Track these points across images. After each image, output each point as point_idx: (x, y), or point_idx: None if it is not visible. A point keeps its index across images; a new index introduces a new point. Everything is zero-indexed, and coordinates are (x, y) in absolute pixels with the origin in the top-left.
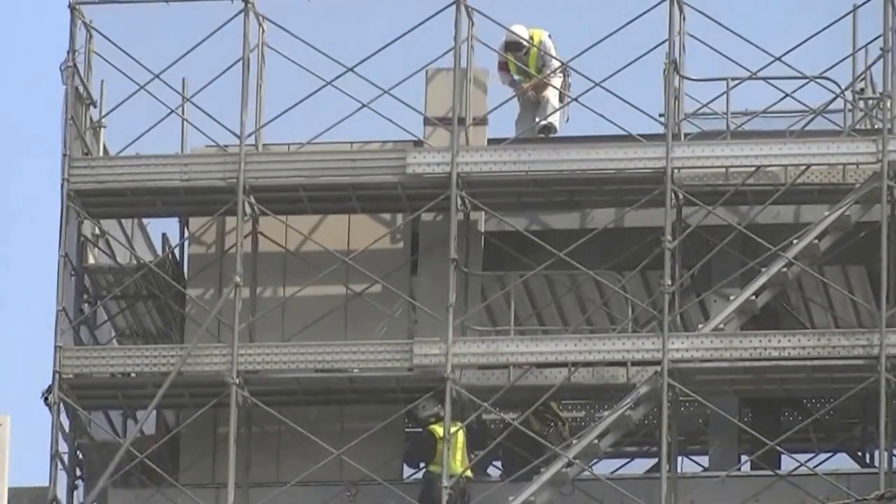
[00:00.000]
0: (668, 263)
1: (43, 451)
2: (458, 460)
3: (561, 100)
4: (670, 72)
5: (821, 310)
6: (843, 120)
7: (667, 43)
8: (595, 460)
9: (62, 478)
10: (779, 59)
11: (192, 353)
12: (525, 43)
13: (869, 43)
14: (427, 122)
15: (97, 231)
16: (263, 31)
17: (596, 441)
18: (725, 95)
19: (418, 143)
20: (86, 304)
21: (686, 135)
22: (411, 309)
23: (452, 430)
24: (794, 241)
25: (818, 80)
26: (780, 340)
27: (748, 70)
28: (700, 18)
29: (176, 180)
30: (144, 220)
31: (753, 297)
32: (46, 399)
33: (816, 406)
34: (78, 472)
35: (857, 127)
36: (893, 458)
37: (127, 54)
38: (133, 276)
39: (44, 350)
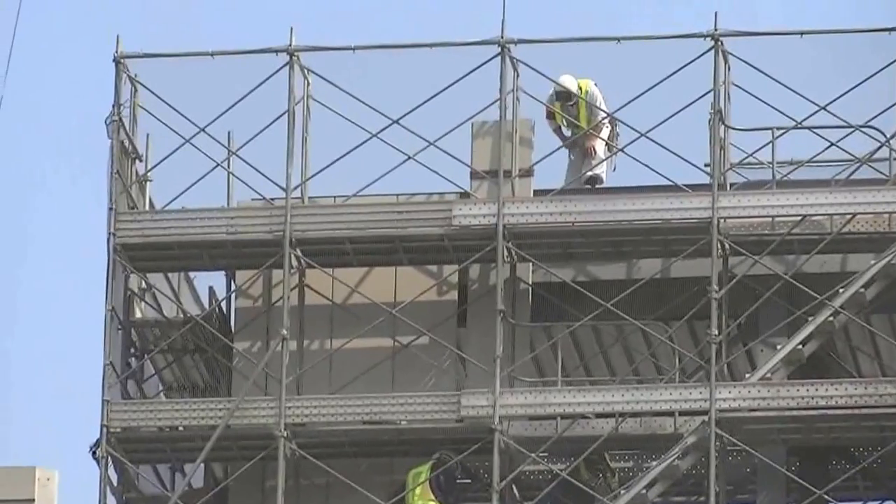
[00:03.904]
0: (714, 313)
1: None
2: (416, 495)
3: (608, 150)
4: (715, 122)
5: (868, 358)
6: (889, 168)
7: (712, 93)
8: None
9: None
10: (823, 108)
11: (239, 406)
12: (574, 93)
13: None
14: (474, 175)
15: (144, 285)
16: (308, 83)
17: (644, 491)
18: (771, 145)
19: (464, 196)
20: (133, 358)
21: (732, 184)
22: (459, 361)
23: (420, 468)
24: (841, 290)
25: (863, 129)
26: (827, 389)
27: (793, 119)
28: (744, 68)
29: (222, 234)
30: (191, 274)
31: (800, 347)
32: (94, 453)
33: (864, 454)
34: None
35: None
36: None
37: (172, 108)
38: (180, 329)
39: (91, 404)
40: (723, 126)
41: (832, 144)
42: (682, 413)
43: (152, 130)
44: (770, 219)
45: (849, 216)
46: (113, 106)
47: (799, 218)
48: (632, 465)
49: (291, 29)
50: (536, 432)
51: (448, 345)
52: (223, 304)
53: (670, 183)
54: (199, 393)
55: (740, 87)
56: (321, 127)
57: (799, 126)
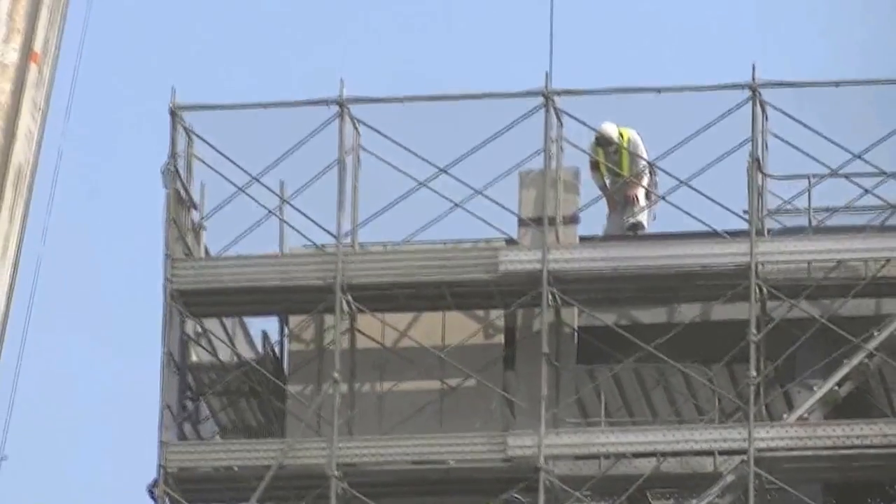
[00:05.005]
0: (753, 356)
1: None
2: None
3: (648, 198)
4: (753, 169)
5: None
6: None
7: (750, 142)
8: None
9: None
10: (858, 156)
11: (292, 447)
12: (615, 139)
13: None
14: (521, 222)
15: (199, 329)
16: (358, 133)
17: None
18: (807, 192)
19: (510, 242)
20: (189, 401)
21: (769, 231)
22: (506, 402)
23: None
24: (876, 333)
25: None
26: (862, 429)
27: (829, 167)
28: (781, 117)
29: (275, 280)
30: (245, 319)
31: (836, 388)
32: (152, 493)
33: None
34: None
35: None
36: None
37: (226, 158)
38: (234, 372)
39: (149, 445)
40: (760, 174)
41: (867, 192)
42: (721, 452)
43: (207, 179)
44: (806, 264)
45: (883, 261)
46: (168, 156)
47: (834, 263)
48: (672, 503)
49: (342, 81)
50: (581, 471)
51: (494, 387)
52: (276, 348)
53: (710, 229)
54: (253, 434)
55: (777, 136)
56: (371, 175)
57: (834, 174)
